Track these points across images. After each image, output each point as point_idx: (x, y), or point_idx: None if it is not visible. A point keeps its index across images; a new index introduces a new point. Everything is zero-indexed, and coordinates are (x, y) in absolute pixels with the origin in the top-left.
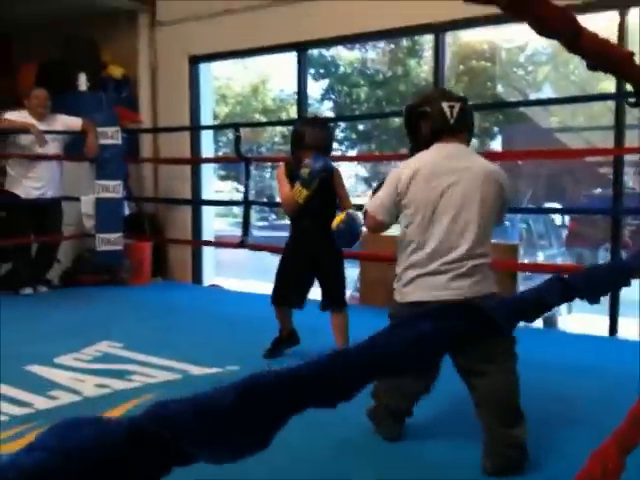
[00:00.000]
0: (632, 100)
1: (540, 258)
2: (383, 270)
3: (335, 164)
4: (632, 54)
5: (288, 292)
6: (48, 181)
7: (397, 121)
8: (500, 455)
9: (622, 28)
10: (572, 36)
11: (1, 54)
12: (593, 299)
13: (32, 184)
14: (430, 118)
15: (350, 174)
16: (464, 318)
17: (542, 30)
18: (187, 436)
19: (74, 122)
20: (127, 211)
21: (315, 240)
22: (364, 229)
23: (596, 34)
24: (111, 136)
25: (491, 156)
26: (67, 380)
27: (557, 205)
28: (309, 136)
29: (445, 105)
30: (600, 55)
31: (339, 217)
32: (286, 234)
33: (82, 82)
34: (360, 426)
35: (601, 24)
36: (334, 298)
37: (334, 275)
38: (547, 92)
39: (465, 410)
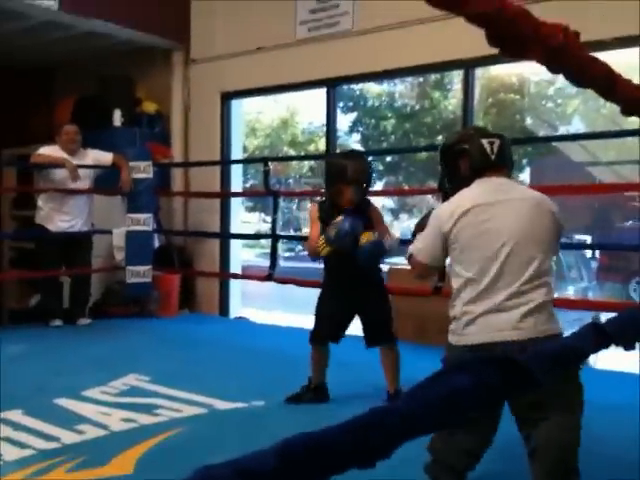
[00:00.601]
0: None
1: (570, 292)
2: (410, 303)
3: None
4: None
5: (329, 331)
6: (78, 215)
7: (424, 154)
8: None
9: None
10: (608, 85)
11: (42, 90)
12: (629, 346)
13: (63, 218)
14: (470, 155)
15: (377, 205)
16: (501, 372)
17: (579, 81)
18: None
19: (104, 157)
20: (157, 243)
21: (353, 277)
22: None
23: (630, 81)
24: (143, 170)
25: None
26: (94, 414)
27: (587, 237)
28: (350, 169)
29: (485, 142)
30: (635, 102)
31: (367, 235)
32: (312, 265)
33: (117, 118)
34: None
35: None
36: (382, 333)
37: (380, 309)
38: (577, 125)
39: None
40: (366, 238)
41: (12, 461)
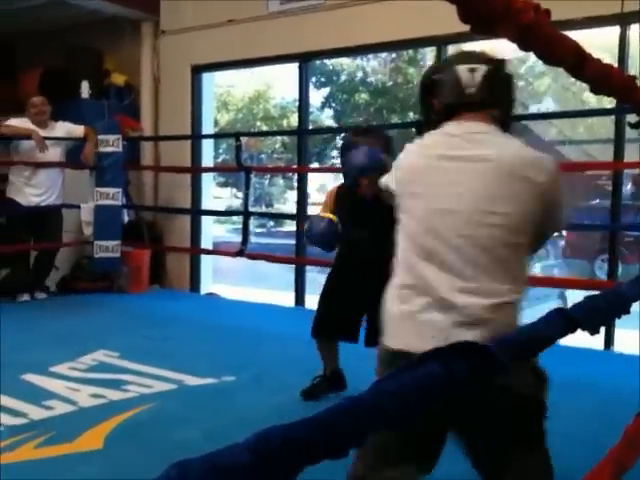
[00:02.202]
0: (634, 122)
1: (537, 269)
2: None
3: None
4: (635, 78)
5: (333, 321)
6: (49, 188)
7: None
8: None
9: (623, 43)
10: (577, 63)
11: (4, 61)
12: (593, 330)
13: (33, 191)
14: (443, 89)
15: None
16: (469, 358)
17: (549, 59)
18: None
19: (76, 129)
20: (126, 218)
21: (365, 269)
22: None
23: (599, 60)
24: (112, 144)
25: None
26: (62, 389)
27: None
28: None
29: (462, 69)
30: (603, 80)
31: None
32: (283, 241)
33: (84, 90)
34: None
35: (602, 39)
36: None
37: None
38: (548, 104)
39: None
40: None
41: None
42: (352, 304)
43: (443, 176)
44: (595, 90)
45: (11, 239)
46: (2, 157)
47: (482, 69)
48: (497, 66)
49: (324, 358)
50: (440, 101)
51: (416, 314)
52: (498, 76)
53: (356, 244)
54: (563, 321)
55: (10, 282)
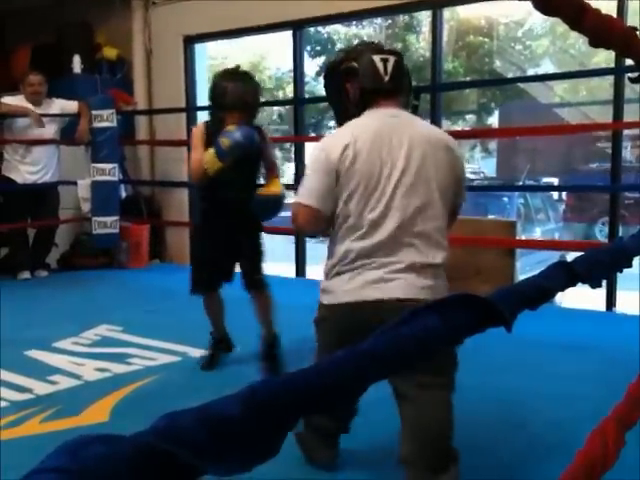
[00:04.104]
0: (633, 76)
1: (537, 234)
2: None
3: None
4: (635, 29)
5: (210, 277)
6: (44, 165)
7: None
8: None
9: (621, 11)
10: (576, 14)
11: None
12: (595, 283)
13: (28, 169)
14: (359, 76)
15: None
16: (469, 310)
17: (546, 9)
18: (197, 450)
19: (70, 105)
20: (124, 194)
21: (234, 214)
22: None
23: (599, 11)
24: (106, 119)
25: (489, 133)
26: (67, 364)
27: (555, 180)
28: (232, 93)
29: (377, 58)
30: (603, 32)
31: (273, 184)
32: (282, 213)
33: (76, 65)
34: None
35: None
36: (253, 278)
37: (253, 253)
38: (546, 67)
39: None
40: (267, 189)
41: None
42: (222, 255)
43: (389, 150)
44: (594, 43)
45: (9, 218)
46: None
47: (392, 60)
48: (401, 57)
49: (212, 318)
50: (358, 89)
51: None
52: (404, 67)
53: (228, 185)
54: (565, 273)
55: (10, 260)
